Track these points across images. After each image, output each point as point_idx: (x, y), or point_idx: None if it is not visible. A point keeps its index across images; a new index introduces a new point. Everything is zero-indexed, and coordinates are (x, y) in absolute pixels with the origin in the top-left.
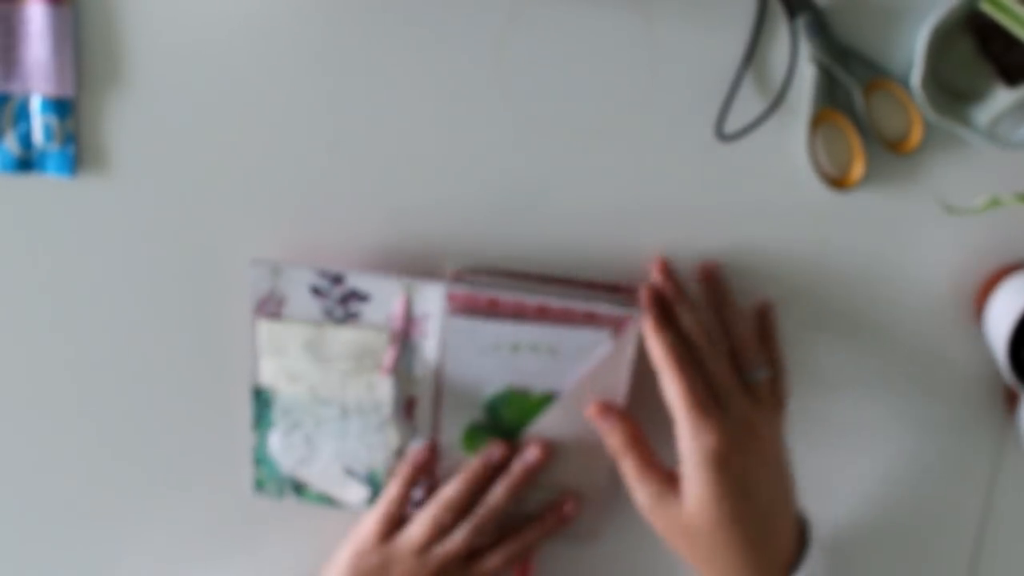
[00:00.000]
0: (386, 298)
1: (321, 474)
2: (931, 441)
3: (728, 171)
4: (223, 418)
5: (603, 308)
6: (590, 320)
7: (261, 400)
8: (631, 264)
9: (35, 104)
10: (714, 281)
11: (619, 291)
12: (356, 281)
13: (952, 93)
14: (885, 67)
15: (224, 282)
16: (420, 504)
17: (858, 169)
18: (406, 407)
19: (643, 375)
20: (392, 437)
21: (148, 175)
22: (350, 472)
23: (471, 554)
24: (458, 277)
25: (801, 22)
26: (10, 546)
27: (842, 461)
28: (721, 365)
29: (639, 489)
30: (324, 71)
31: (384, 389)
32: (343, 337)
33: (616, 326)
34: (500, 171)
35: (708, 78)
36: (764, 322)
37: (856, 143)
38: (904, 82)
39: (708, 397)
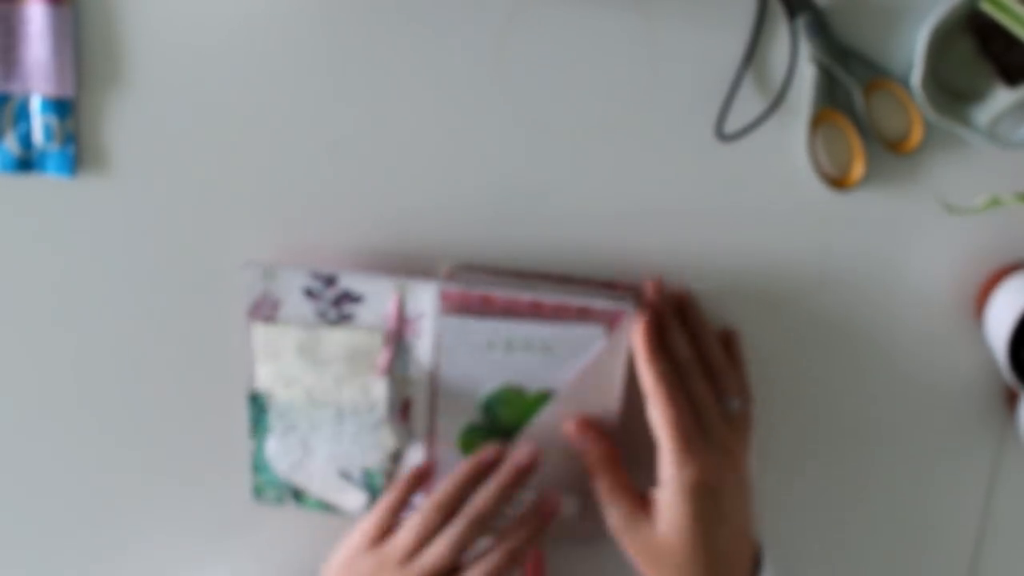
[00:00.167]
0: (379, 299)
1: (319, 480)
2: (931, 441)
3: (728, 171)
4: (222, 419)
5: (596, 303)
6: (584, 316)
7: (257, 405)
8: (631, 264)
9: (35, 104)
10: (688, 307)
11: (613, 288)
12: (349, 282)
13: (952, 93)
14: (885, 67)
15: (225, 282)
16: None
17: (858, 169)
18: (401, 408)
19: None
20: (388, 439)
21: (148, 175)
22: (346, 476)
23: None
24: (452, 275)
25: (801, 22)
26: (10, 551)
27: (842, 461)
28: (703, 393)
29: (612, 509)
30: (323, 70)
31: (379, 391)
32: (337, 339)
33: (610, 321)
34: (499, 171)
35: (708, 78)
36: (732, 349)
37: (856, 143)
38: (904, 82)
39: (694, 428)
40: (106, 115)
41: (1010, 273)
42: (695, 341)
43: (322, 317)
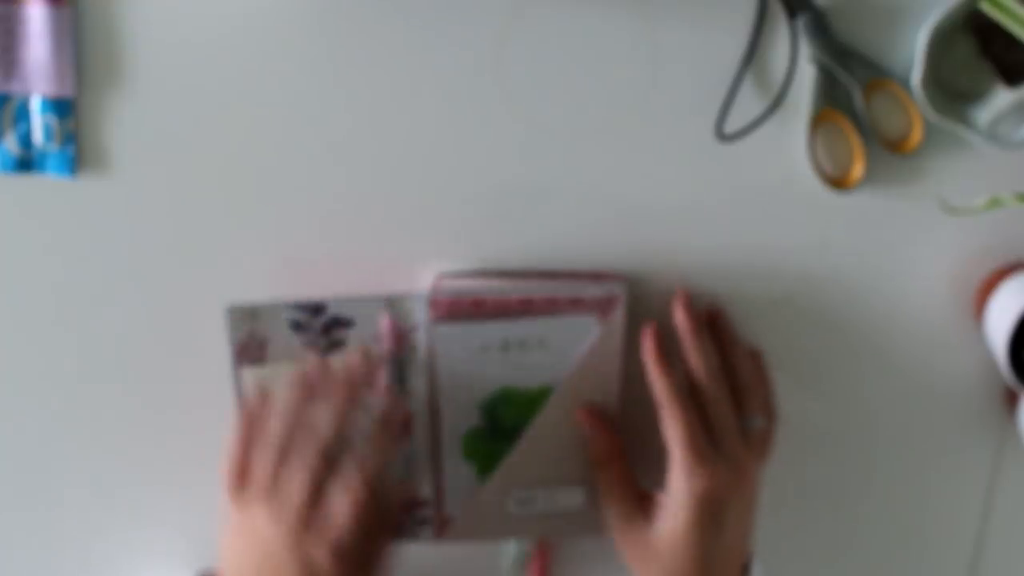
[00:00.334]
0: (370, 320)
1: None
2: (931, 441)
3: (728, 171)
4: (222, 419)
5: (587, 292)
6: (575, 307)
7: None
8: (631, 264)
9: (35, 104)
10: (720, 324)
11: (601, 278)
12: (337, 308)
13: (952, 93)
14: (885, 67)
15: (227, 282)
16: (420, 507)
17: (858, 169)
18: (403, 423)
19: (635, 360)
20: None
21: (148, 175)
22: None
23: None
24: (441, 283)
25: (801, 22)
26: (10, 551)
27: (842, 461)
28: (722, 407)
29: (612, 504)
30: (323, 69)
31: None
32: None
33: (602, 309)
34: (499, 172)
35: (708, 78)
36: (759, 368)
37: (856, 143)
38: (904, 82)
39: (706, 440)
40: (106, 115)
41: (1010, 273)
42: (723, 357)
43: (312, 347)
